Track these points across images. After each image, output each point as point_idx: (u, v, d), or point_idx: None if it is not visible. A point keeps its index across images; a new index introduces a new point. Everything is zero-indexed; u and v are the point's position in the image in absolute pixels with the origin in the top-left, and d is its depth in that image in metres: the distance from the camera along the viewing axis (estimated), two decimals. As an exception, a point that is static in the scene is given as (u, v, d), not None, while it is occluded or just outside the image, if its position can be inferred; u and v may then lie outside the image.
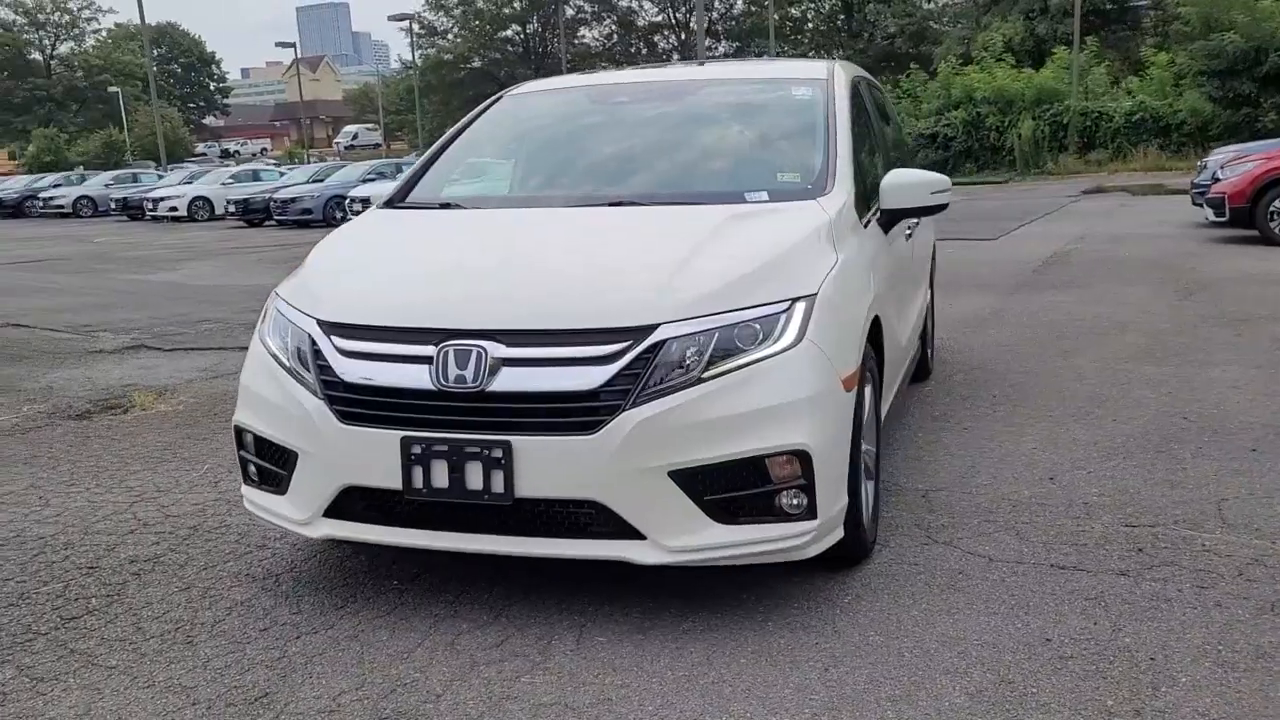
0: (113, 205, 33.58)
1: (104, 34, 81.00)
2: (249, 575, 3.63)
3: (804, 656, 2.94)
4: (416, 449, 3.01)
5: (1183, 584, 3.33)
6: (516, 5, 58.99)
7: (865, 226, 3.85)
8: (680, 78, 4.91)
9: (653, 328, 2.96)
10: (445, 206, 4.04)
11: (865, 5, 52.29)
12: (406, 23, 51.76)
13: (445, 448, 2.99)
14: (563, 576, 3.38)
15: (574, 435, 2.92)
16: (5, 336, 9.37)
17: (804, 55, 58.71)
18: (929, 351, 6.23)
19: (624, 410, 2.91)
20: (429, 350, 3.05)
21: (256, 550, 3.85)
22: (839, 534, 3.24)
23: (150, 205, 30.29)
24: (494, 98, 4.88)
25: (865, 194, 3.97)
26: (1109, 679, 2.77)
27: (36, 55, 76.19)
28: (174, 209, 29.59)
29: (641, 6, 59.03)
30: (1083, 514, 3.97)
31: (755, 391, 2.98)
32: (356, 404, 3.11)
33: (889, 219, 4.05)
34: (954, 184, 4.06)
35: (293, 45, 56.41)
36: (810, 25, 57.00)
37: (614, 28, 60.15)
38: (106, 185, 36.41)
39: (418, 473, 3.02)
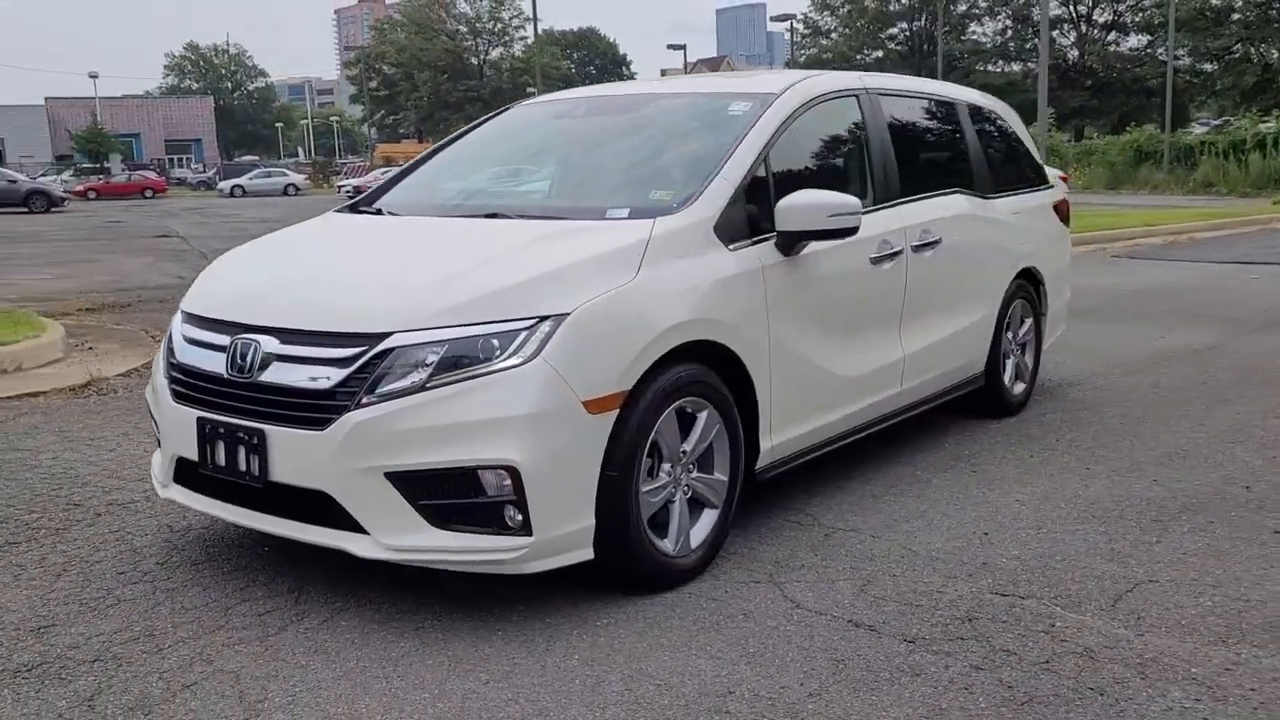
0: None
1: (530, 40, 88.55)
2: (170, 528, 4.17)
3: (483, 668, 2.99)
4: (207, 428, 3.39)
5: (959, 661, 3.00)
6: (904, 1, 57.78)
7: (735, 248, 3.72)
8: (636, 92, 4.89)
9: (385, 335, 3.13)
10: (378, 212, 4.37)
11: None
12: (788, 24, 52.40)
13: (223, 430, 3.34)
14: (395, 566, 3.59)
15: (309, 430, 3.16)
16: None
17: (1226, 51, 52.85)
18: (1010, 387, 5.71)
19: (349, 411, 3.11)
20: (226, 341, 3.41)
21: (202, 507, 4.39)
22: (582, 555, 3.23)
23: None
24: (503, 108, 5.15)
25: (751, 214, 3.83)
26: (734, 741, 2.61)
27: (473, 60, 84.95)
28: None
29: None
30: (964, 575, 3.62)
31: (473, 404, 3.06)
32: (180, 383, 3.55)
33: (786, 241, 3.87)
34: None
35: (683, 47, 58.79)
36: (1236, 16, 51.04)
37: (1008, 23, 57.29)
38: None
39: (208, 450, 3.40)
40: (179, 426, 3.52)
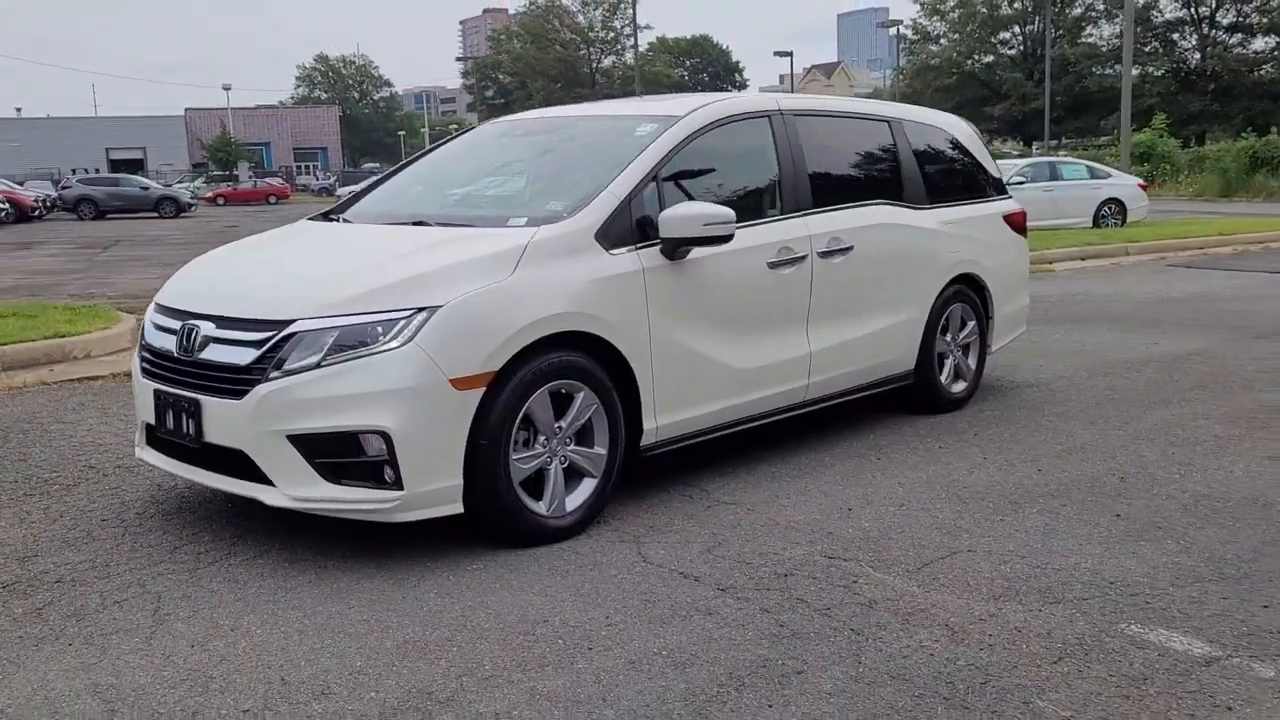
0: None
1: (643, 48, 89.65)
2: (159, 486, 4.90)
3: (355, 596, 3.61)
4: (161, 398, 4.11)
5: (753, 605, 3.51)
6: (1018, 5, 56.82)
7: (617, 253, 4.27)
8: (569, 114, 5.46)
9: (290, 322, 3.80)
10: (339, 220, 5.05)
11: None
12: (894, 30, 52.16)
13: (172, 399, 4.06)
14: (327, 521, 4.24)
15: (231, 399, 3.85)
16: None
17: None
18: (946, 385, 6.11)
19: (260, 383, 3.78)
20: (177, 325, 4.13)
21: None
22: (452, 509, 3.84)
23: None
24: (471, 128, 5.80)
25: (641, 223, 4.38)
26: (526, 653, 3.18)
27: (585, 69, 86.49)
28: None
29: (1157, 2, 54.03)
30: (806, 541, 4.10)
31: (357, 380, 3.70)
32: (147, 361, 4.28)
33: (669, 246, 4.40)
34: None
35: (789, 54, 58.93)
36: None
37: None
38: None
39: (161, 416, 4.12)
40: (144, 397, 4.26)
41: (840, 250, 5.23)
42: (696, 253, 4.52)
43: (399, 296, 3.81)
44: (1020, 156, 38.79)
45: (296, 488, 3.79)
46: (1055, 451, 5.32)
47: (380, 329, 3.76)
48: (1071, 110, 55.67)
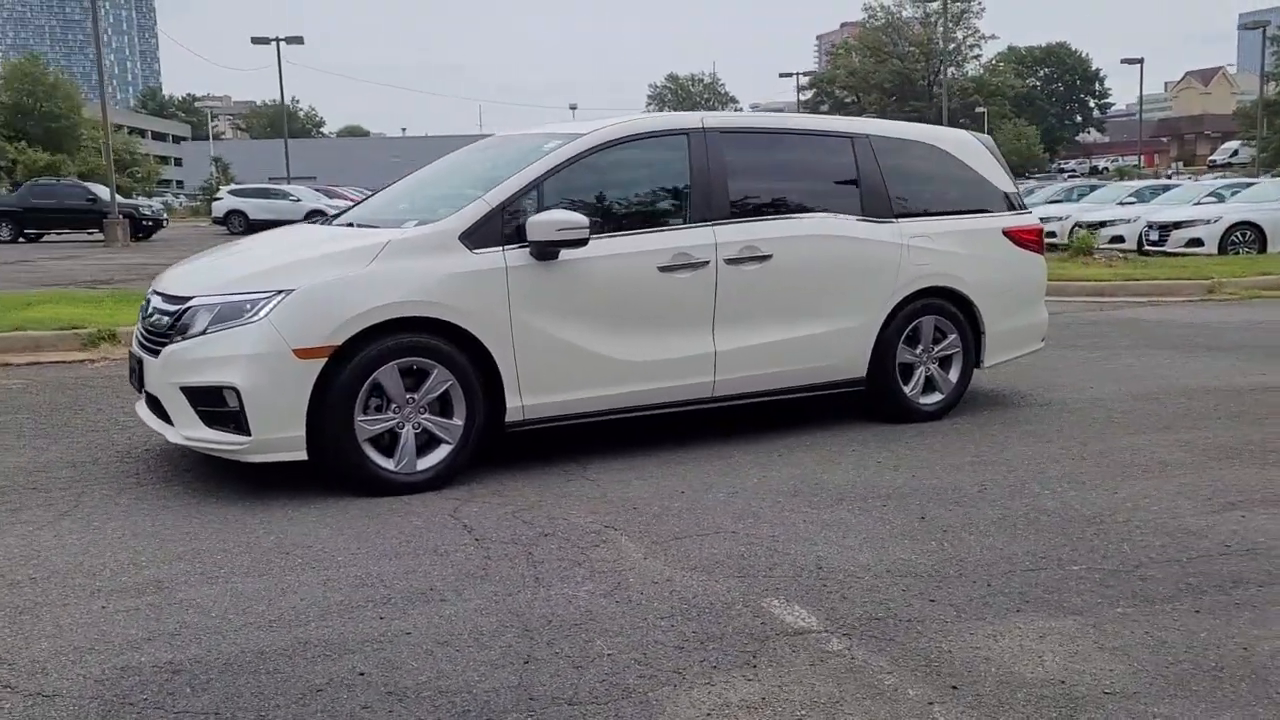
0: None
1: (990, 59, 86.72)
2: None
3: (211, 518, 4.54)
4: (131, 357, 5.27)
5: (485, 553, 4.09)
6: None
7: (480, 252, 4.94)
8: (520, 133, 6.12)
9: (190, 299, 4.81)
10: (321, 222, 6.05)
11: None
12: (1260, 30, 47.45)
13: (135, 358, 5.20)
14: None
15: (154, 357, 4.91)
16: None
17: None
18: (913, 396, 6.21)
19: (168, 345, 4.82)
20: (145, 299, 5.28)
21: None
22: (296, 455, 4.69)
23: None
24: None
25: (519, 227, 5.02)
26: (261, 564, 3.97)
27: (921, 81, 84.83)
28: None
29: None
30: (605, 512, 4.59)
31: (224, 345, 4.65)
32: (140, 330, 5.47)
33: (536, 248, 5.00)
34: None
35: (1140, 61, 55.34)
36: None
37: None
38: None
39: (130, 371, 5.28)
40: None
41: (755, 258, 5.56)
42: (571, 254, 5.08)
43: (268, 281, 4.73)
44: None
45: (186, 428, 4.79)
46: (958, 463, 5.37)
47: (248, 306, 4.68)
48: None
